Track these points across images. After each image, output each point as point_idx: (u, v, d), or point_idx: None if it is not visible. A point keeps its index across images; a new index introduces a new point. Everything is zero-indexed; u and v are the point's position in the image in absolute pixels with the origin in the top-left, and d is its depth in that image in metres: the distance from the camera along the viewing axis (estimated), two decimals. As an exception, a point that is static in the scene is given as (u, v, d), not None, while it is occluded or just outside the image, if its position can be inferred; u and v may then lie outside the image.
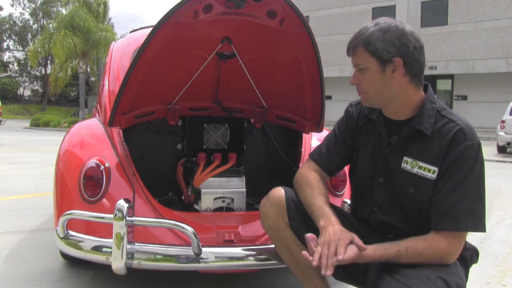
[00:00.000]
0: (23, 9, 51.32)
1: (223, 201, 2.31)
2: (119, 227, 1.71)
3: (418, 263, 1.33)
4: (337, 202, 2.14)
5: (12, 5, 58.97)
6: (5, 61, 39.35)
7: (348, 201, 2.07)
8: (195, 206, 2.38)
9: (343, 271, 1.48)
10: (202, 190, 2.30)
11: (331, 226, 1.37)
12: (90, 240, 1.90)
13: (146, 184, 2.11)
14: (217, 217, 2.17)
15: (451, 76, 21.67)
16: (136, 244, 1.81)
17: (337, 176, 2.21)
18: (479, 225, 1.34)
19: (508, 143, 11.40)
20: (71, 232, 1.90)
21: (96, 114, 2.96)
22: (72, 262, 2.57)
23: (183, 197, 2.48)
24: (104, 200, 2.00)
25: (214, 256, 1.86)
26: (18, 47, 40.47)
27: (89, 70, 27.14)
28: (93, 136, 2.40)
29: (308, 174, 1.61)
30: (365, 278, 1.50)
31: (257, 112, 2.56)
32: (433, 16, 21.52)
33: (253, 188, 2.42)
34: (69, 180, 2.11)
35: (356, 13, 23.40)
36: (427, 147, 1.40)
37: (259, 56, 2.20)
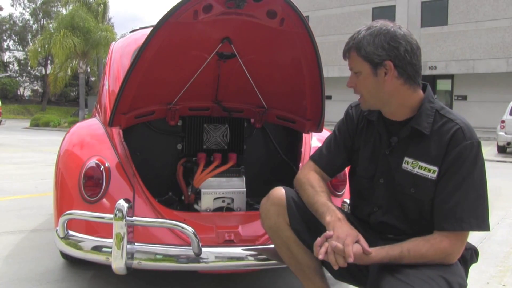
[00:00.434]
0: (23, 9, 51.34)
1: (223, 201, 2.31)
2: (119, 227, 1.71)
3: (419, 264, 1.33)
4: (337, 202, 2.13)
5: (12, 5, 59.02)
6: (5, 61, 39.30)
7: (348, 201, 2.07)
8: (195, 206, 2.38)
9: (343, 270, 1.47)
10: (202, 190, 2.30)
11: (339, 222, 1.39)
12: (90, 240, 1.90)
13: (146, 184, 2.11)
14: (217, 217, 2.17)
15: (451, 76, 21.65)
16: (136, 244, 1.81)
17: (337, 176, 2.19)
18: (483, 224, 1.34)
19: (508, 143, 11.40)
20: (71, 232, 1.90)
21: (96, 114, 2.96)
22: (72, 262, 2.57)
23: (183, 197, 2.48)
24: (104, 200, 2.00)
25: (214, 256, 1.86)
26: (18, 47, 40.44)
27: (89, 70, 27.13)
28: (93, 136, 2.40)
29: (309, 175, 1.62)
30: (365, 278, 1.50)
31: (257, 112, 2.56)
32: (433, 16, 21.49)
33: (253, 188, 2.42)
34: (69, 180, 2.11)
35: (356, 13, 23.38)
36: (427, 147, 1.40)
37: (259, 56, 2.20)
